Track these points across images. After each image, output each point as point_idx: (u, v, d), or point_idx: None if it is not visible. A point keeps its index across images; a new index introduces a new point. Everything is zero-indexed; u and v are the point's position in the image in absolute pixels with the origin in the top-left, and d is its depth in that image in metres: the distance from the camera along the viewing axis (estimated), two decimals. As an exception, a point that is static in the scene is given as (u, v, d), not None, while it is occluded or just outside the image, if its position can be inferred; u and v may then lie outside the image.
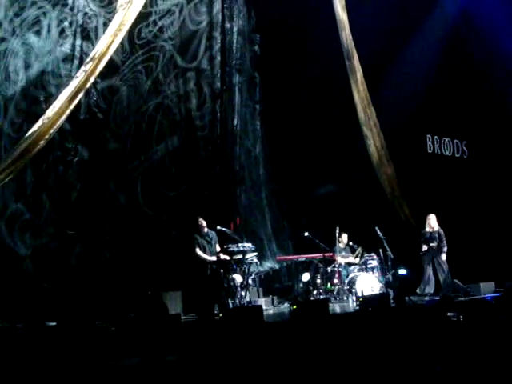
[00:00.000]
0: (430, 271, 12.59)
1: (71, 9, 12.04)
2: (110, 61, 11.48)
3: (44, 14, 11.75)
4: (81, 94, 10.45)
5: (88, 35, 12.12)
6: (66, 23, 12.00)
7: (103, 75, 12.03)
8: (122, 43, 11.56)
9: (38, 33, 11.70)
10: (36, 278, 11.30)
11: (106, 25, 11.22)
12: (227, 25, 14.23)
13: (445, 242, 12.68)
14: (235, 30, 14.39)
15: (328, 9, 13.33)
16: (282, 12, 14.53)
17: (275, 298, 13.12)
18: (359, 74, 13.56)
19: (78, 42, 12.02)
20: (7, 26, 11.39)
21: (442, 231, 12.79)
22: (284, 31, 14.65)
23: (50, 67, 11.80)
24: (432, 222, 12.83)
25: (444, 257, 12.61)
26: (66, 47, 11.98)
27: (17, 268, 11.25)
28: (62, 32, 11.95)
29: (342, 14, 13.25)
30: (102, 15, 12.10)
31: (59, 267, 11.58)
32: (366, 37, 13.83)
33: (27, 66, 11.58)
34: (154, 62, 13.19)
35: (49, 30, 11.79)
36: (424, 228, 12.86)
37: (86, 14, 12.19)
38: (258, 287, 13.14)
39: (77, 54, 11.92)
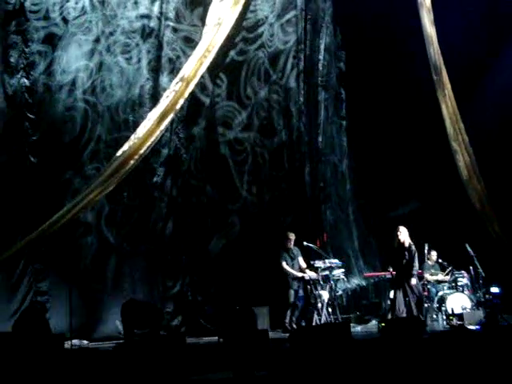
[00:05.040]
0: (399, 296, 11.08)
1: (156, 36, 12.11)
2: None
3: (133, 42, 12.00)
4: (170, 116, 10.60)
5: (173, 70, 12.20)
6: (154, 55, 12.14)
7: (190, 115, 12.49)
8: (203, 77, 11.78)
9: (128, 59, 11.95)
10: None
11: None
12: (314, 42, 14.31)
13: (416, 262, 11.15)
14: (322, 46, 14.43)
15: (415, 24, 13.20)
16: (367, 28, 14.54)
17: (363, 314, 13.03)
18: (448, 88, 13.33)
19: (165, 75, 12.16)
20: (104, 42, 11.70)
21: (413, 247, 11.26)
22: (369, 47, 14.61)
23: (135, 96, 11.97)
24: (402, 236, 11.28)
25: (414, 281, 11.04)
26: (153, 82, 12.08)
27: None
28: (149, 63, 12.10)
29: (430, 29, 13.07)
30: (188, 55, 12.02)
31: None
32: (455, 51, 13.63)
33: (119, 86, 11.89)
34: (238, 83, 13.32)
35: (139, 61, 11.97)
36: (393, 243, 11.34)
37: (174, 49, 12.34)
38: (345, 304, 13.07)
39: (162, 89, 11.91)
